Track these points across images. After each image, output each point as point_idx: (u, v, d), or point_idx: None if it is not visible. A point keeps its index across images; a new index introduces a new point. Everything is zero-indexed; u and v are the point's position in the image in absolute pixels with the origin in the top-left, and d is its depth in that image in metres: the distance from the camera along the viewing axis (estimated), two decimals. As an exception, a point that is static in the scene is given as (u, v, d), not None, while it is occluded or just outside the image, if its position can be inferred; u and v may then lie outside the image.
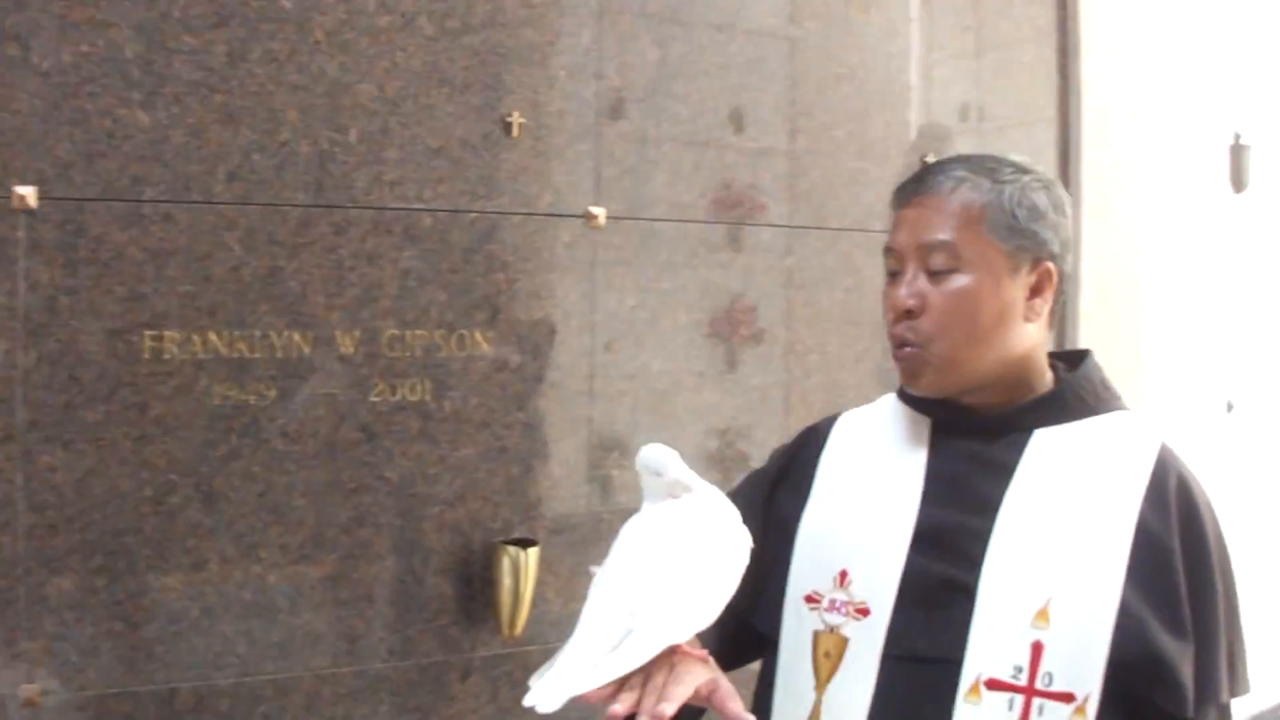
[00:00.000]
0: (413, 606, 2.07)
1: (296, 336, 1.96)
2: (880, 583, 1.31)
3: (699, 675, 1.16)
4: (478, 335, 2.14)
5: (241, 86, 1.90)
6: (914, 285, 1.33)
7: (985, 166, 1.35)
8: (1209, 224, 3.33)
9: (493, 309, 2.16)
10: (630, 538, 1.22)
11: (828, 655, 1.33)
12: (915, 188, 1.37)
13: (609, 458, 2.30)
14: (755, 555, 1.26)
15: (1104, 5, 3.00)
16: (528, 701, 1.11)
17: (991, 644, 1.24)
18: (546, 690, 1.10)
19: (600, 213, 2.26)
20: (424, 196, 2.08)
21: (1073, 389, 1.37)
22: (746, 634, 1.40)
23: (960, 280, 1.31)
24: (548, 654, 2.18)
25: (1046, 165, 1.94)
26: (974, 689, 1.23)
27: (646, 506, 1.23)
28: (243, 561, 1.92)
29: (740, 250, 2.47)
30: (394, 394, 2.05)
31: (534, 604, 2.13)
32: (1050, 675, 1.22)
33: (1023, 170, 1.36)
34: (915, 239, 1.33)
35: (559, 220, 2.23)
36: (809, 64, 2.57)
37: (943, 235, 1.31)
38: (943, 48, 2.80)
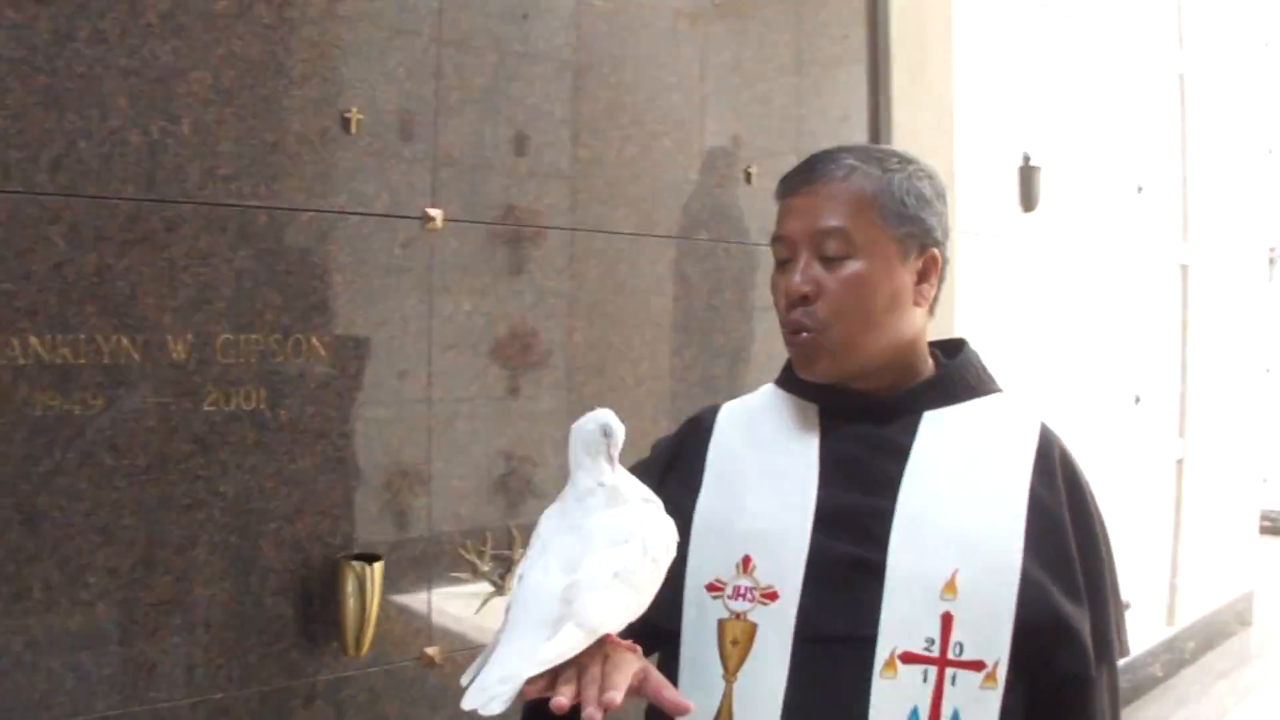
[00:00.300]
0: (251, 630, 1.94)
1: (125, 341, 1.81)
2: (787, 566, 1.31)
3: (632, 664, 1.14)
4: (314, 340, 2.03)
5: (68, 68, 1.74)
6: (808, 272, 1.34)
7: (873, 156, 1.38)
8: (1003, 241, 3.50)
9: (329, 313, 2.05)
10: (558, 526, 1.17)
11: (735, 643, 1.32)
12: (806, 176, 1.38)
13: (450, 468, 2.22)
14: None
15: (911, 31, 3.13)
16: (467, 704, 1.05)
17: (903, 618, 1.26)
18: (489, 688, 1.04)
19: (438, 215, 2.19)
20: (259, 193, 1.96)
21: (958, 372, 1.41)
22: (642, 628, 1.36)
23: (854, 266, 1.33)
24: (393, 675, 2.10)
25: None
26: (889, 664, 1.25)
27: (571, 495, 1.18)
28: (69, 588, 1.74)
29: (570, 257, 2.44)
30: (228, 403, 1.92)
31: (377, 623, 2.03)
32: (961, 645, 1.25)
33: (907, 160, 1.40)
34: (809, 226, 1.35)
35: (395, 221, 2.14)
36: (638, 74, 2.57)
37: (836, 221, 1.33)
38: (766, 61, 2.85)
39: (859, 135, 3.02)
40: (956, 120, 3.25)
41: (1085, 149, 3.92)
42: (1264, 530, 5.94)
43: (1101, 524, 1.38)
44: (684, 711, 1.15)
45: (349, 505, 2.07)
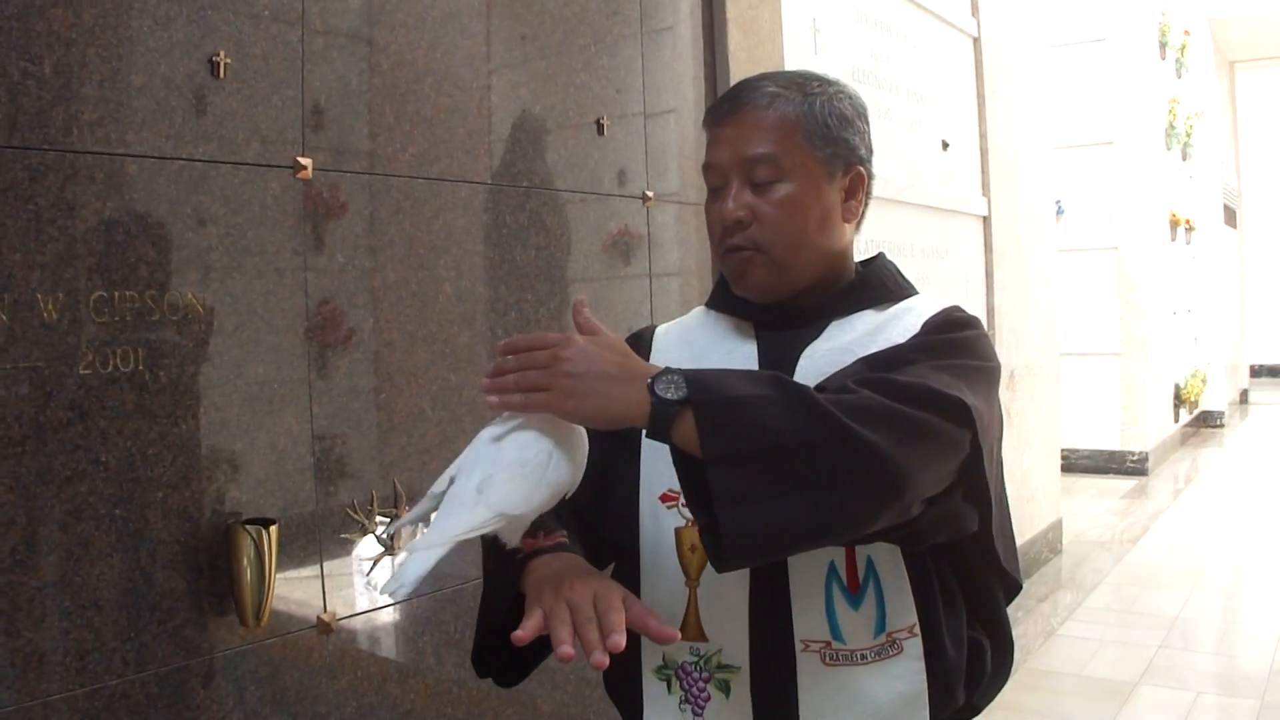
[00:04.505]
0: (144, 608, 1.81)
1: (-8, 300, 1.65)
2: None
3: (618, 594, 1.16)
4: (190, 296, 1.90)
5: (-79, -2, 1.57)
6: (740, 198, 1.39)
7: (794, 81, 1.43)
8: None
9: (205, 268, 1.93)
10: (484, 453, 1.21)
11: (694, 549, 1.36)
12: (731, 106, 1.42)
13: (334, 426, 2.13)
14: (599, 465, 1.30)
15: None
16: (381, 590, 1.09)
17: None
18: (400, 575, 1.11)
19: (308, 164, 2.09)
20: (126, 140, 1.82)
21: (873, 277, 1.47)
22: (600, 545, 1.44)
23: (784, 189, 1.38)
24: (291, 645, 2.00)
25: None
26: None
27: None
28: (-51, 572, 1.59)
29: (440, 206, 2.37)
30: (105, 365, 1.78)
31: (274, 590, 1.93)
32: None
33: (828, 82, 1.44)
34: (737, 154, 1.39)
35: (267, 170, 2.03)
36: (500, 22, 2.51)
37: (763, 148, 1.38)
38: (614, 13, 2.83)
39: (697, 103, 3.04)
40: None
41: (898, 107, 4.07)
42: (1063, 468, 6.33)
43: None
44: (670, 639, 1.16)
45: (234, 469, 1.96)
